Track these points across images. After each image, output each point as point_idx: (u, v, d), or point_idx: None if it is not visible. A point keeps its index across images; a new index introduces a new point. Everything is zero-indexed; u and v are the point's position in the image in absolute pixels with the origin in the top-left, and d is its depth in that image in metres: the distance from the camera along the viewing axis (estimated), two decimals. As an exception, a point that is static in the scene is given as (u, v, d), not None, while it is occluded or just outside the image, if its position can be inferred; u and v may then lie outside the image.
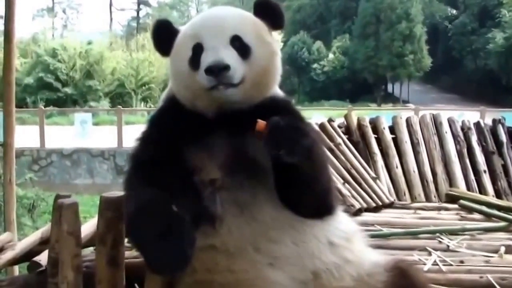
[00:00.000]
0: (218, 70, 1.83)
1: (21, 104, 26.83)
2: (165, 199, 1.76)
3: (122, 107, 22.28)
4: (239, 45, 1.93)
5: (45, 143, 18.07)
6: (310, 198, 1.95)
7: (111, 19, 59.75)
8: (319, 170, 1.96)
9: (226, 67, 1.84)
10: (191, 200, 1.87)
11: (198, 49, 1.93)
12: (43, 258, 2.44)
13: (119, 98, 29.93)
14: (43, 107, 21.71)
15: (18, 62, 29.81)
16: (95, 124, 21.03)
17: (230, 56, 1.88)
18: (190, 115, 1.99)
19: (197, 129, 1.97)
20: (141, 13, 59.44)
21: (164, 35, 2.05)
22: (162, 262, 1.68)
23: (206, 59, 1.87)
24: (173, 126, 2.00)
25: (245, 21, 2.01)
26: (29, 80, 29.26)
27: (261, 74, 1.98)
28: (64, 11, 59.18)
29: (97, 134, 18.76)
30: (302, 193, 1.92)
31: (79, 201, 2.10)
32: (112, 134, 18.35)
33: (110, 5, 59.46)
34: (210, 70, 1.84)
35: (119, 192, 2.04)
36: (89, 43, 32.09)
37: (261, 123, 1.82)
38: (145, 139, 2.06)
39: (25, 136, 17.74)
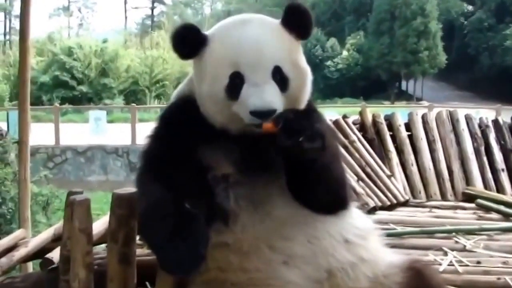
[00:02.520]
0: (266, 114, 1.77)
1: (37, 102, 27.10)
2: (177, 197, 1.74)
3: (136, 104, 22.35)
4: (280, 78, 1.84)
5: (60, 140, 18.22)
6: (323, 190, 1.90)
7: (125, 18, 60.14)
8: (332, 159, 1.91)
9: (274, 111, 1.77)
10: (203, 197, 1.84)
11: (237, 79, 1.83)
12: (55, 255, 2.44)
13: (133, 95, 30.08)
14: (58, 105, 21.85)
15: (34, 61, 30.11)
16: (110, 121, 21.13)
17: (275, 97, 1.80)
18: (203, 115, 1.94)
19: (211, 127, 1.92)
20: (156, 11, 59.64)
21: (189, 41, 1.92)
22: (175, 261, 1.65)
23: (252, 100, 1.77)
24: (186, 124, 1.96)
25: (283, 46, 1.89)
26: (45, 78, 29.57)
27: (294, 102, 1.90)
28: (79, 10, 59.75)
29: (111, 131, 18.85)
30: (315, 184, 1.87)
31: (93, 198, 2.08)
32: (126, 131, 18.44)
33: (125, 3, 59.82)
34: (257, 114, 1.76)
35: (131, 189, 2.01)
36: (104, 41, 32.31)
37: (266, 124, 1.78)
38: (157, 136, 2.03)
39: (40, 134, 17.91)
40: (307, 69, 1.97)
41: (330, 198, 1.94)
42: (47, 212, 9.35)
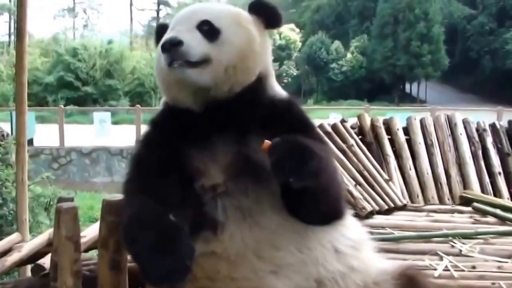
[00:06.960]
0: (170, 46, 1.81)
1: (42, 102, 27.18)
2: (162, 208, 1.71)
3: (142, 106, 22.31)
4: (208, 29, 1.90)
5: (64, 141, 18.25)
6: (318, 209, 1.88)
7: (131, 19, 59.99)
8: (328, 184, 1.85)
9: (178, 43, 1.81)
10: (192, 206, 1.83)
11: None
12: (47, 261, 2.42)
13: (139, 97, 30.09)
14: (63, 106, 21.88)
15: (39, 62, 30.26)
16: (115, 123, 21.12)
17: (187, 35, 1.85)
18: (191, 118, 1.94)
19: (199, 132, 1.92)
20: (161, 13, 59.53)
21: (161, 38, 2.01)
22: (159, 274, 1.62)
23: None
24: (175, 129, 1.95)
25: (222, 9, 2.00)
26: (50, 79, 29.67)
27: (235, 56, 1.91)
28: (84, 11, 59.72)
29: (116, 133, 18.85)
30: (310, 207, 1.85)
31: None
32: (131, 133, 18.44)
33: (131, 5, 59.79)
34: (163, 47, 1.83)
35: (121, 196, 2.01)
36: (110, 42, 32.39)
37: (266, 143, 1.75)
38: (146, 142, 2.02)
39: (45, 135, 17.95)
40: (255, 33, 1.97)
41: (324, 215, 1.92)
42: (49, 213, 9.33)
